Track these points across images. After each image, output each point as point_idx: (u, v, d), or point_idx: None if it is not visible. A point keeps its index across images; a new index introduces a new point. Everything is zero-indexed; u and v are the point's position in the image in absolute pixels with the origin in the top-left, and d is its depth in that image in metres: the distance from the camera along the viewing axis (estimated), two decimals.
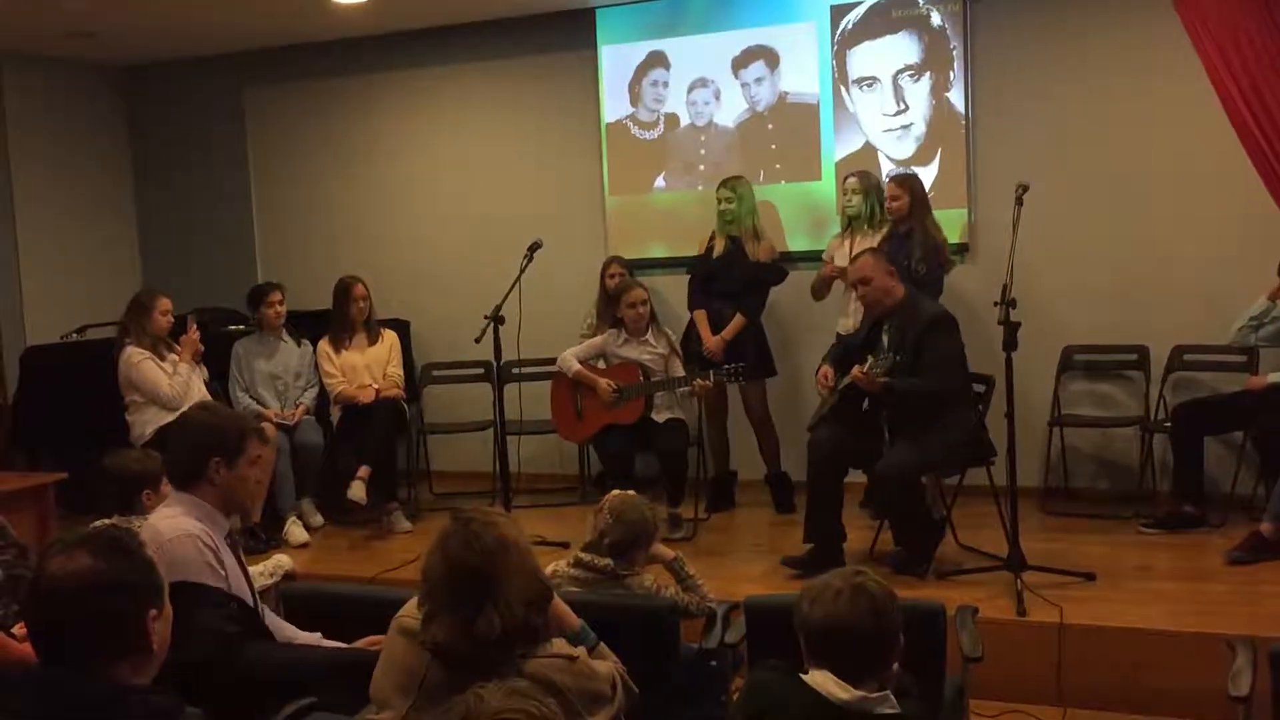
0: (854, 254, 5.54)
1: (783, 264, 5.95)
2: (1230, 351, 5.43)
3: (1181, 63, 5.53)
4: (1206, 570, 4.66)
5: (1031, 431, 5.67)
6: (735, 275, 5.80)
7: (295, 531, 5.77)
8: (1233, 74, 5.38)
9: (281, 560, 3.99)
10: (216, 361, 6.08)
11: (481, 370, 6.59)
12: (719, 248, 5.86)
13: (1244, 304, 5.28)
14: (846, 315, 5.71)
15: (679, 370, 5.70)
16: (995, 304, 4.40)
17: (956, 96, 5.98)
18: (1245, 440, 5.23)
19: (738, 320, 5.78)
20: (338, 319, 6.12)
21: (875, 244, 5.41)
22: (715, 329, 5.81)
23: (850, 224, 5.73)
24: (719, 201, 5.86)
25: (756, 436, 6.00)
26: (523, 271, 5.43)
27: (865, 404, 4.85)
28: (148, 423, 5.64)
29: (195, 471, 2.90)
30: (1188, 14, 5.47)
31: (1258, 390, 5.09)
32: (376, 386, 6.01)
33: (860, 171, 5.82)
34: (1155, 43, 5.63)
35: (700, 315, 5.87)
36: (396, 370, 6.16)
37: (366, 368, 6.09)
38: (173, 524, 2.82)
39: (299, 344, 6.23)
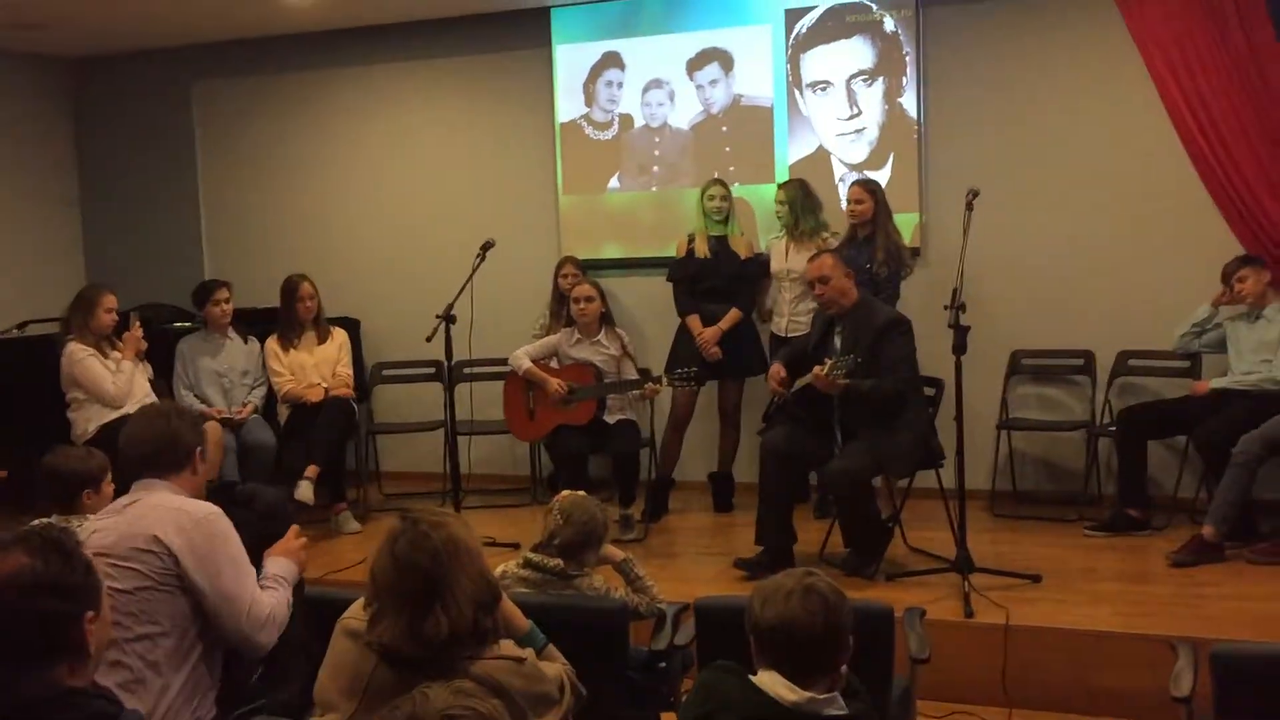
0: (789, 258, 5.65)
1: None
2: (1174, 357, 5.51)
3: (1131, 73, 5.63)
4: (1150, 573, 4.73)
5: (980, 434, 5.72)
6: (724, 273, 5.82)
7: None
8: (1180, 86, 5.49)
9: None
10: (162, 359, 5.99)
11: (432, 370, 6.55)
12: (702, 248, 5.87)
13: (1188, 310, 5.37)
14: (780, 315, 5.77)
15: (631, 372, 5.71)
16: (946, 308, 4.44)
17: (909, 102, 6.02)
18: (1188, 445, 5.31)
19: (734, 313, 5.80)
20: (285, 318, 6.06)
21: (812, 249, 5.45)
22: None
23: (786, 228, 5.79)
24: (709, 199, 5.86)
25: (721, 432, 6.02)
26: (475, 270, 5.40)
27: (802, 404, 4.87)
28: (90, 420, 5.55)
29: (183, 461, 2.98)
30: (1136, 26, 5.58)
31: (1200, 395, 5.17)
32: (325, 385, 5.95)
33: (787, 182, 5.88)
34: (1105, 53, 5.71)
35: (694, 319, 5.85)
36: (346, 370, 6.11)
37: (315, 367, 6.03)
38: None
39: (246, 341, 6.15)
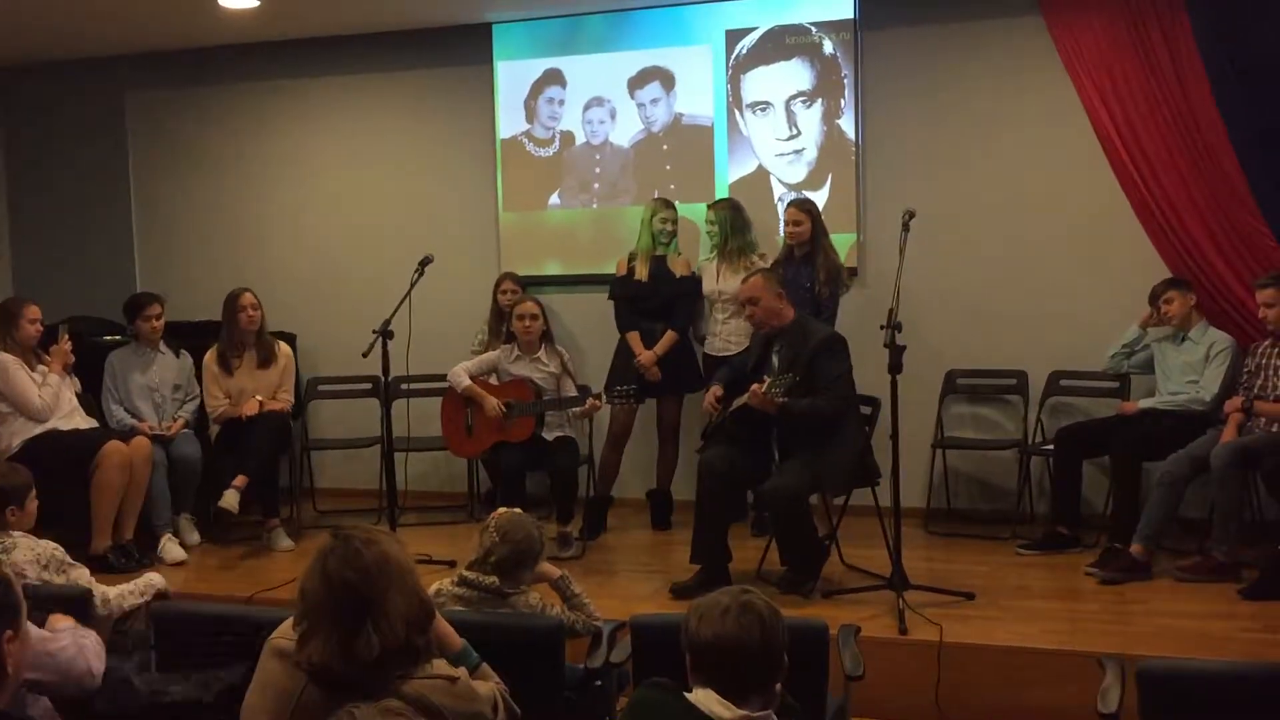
0: (720, 279, 5.70)
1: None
2: (1105, 377, 5.62)
3: (1062, 97, 5.75)
4: (1080, 590, 4.79)
5: (915, 453, 5.78)
6: (663, 293, 5.84)
7: (171, 549, 5.58)
8: (1109, 110, 5.62)
9: (152, 578, 3.86)
10: (91, 372, 5.87)
11: (369, 385, 6.48)
12: (642, 269, 5.87)
13: (1119, 331, 5.48)
14: (713, 335, 5.81)
15: (570, 389, 5.70)
16: (882, 327, 4.48)
17: (847, 123, 6.09)
18: None
19: (670, 336, 5.82)
20: (227, 333, 5.95)
21: (742, 270, 5.49)
22: (649, 347, 5.83)
23: (716, 248, 5.83)
24: (657, 222, 5.88)
25: (660, 450, 6.03)
26: (413, 286, 5.36)
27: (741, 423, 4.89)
28: (14, 434, 5.42)
29: None
30: (1067, 53, 5.70)
31: (1129, 415, 5.27)
32: (260, 399, 5.86)
33: (717, 202, 5.93)
34: (1037, 78, 5.81)
35: (634, 336, 5.87)
36: (289, 397, 6.03)
37: (254, 394, 5.89)
38: None
39: (177, 355, 6.05)
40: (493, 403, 5.52)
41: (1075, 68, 5.68)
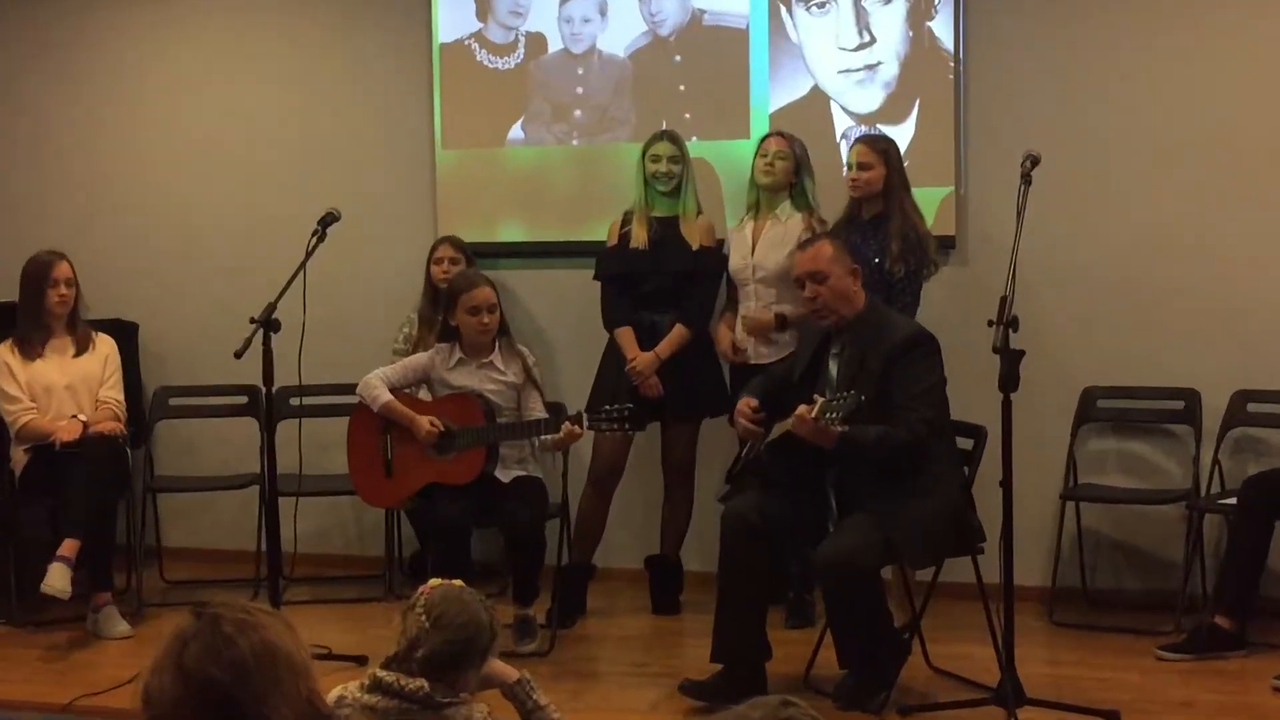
0: (757, 251, 5.72)
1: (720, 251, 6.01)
2: None
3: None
4: (1267, 711, 4.81)
5: (1037, 507, 5.80)
6: (670, 269, 5.87)
7: None
8: None
9: None
10: None
11: (244, 399, 6.50)
12: (640, 234, 5.91)
13: None
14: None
15: (537, 409, 5.70)
16: (990, 324, 4.49)
17: (943, 28, 6.12)
18: None
19: (678, 331, 5.86)
20: (27, 313, 6.00)
21: (794, 233, 5.53)
22: (648, 347, 5.88)
23: (759, 201, 5.85)
24: (652, 160, 5.91)
25: (666, 498, 6.06)
26: (309, 255, 5.37)
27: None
28: None
29: None
30: None
31: None
32: (84, 418, 5.89)
33: (782, 133, 5.93)
34: None
35: (624, 333, 5.90)
36: (114, 394, 6.07)
37: (69, 389, 5.96)
38: None
39: None
40: (426, 423, 5.54)
41: None
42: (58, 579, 5.50)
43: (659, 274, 5.88)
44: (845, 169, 5.82)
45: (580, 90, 6.58)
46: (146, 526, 6.55)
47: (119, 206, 7.16)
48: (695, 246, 5.91)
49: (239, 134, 7.04)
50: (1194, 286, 5.94)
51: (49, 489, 5.80)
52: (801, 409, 4.61)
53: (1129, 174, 6.01)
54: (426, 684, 3.24)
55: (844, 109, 6.27)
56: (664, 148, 5.94)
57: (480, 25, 6.67)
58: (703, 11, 6.40)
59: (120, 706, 4.67)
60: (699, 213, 6.00)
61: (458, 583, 3.44)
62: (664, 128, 6.15)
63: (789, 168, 5.77)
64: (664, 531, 6.09)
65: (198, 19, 7.07)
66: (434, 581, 3.44)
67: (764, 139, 5.91)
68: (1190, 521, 5.81)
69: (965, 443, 5.10)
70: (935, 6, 6.12)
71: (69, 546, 5.57)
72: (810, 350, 5.07)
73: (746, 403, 5.00)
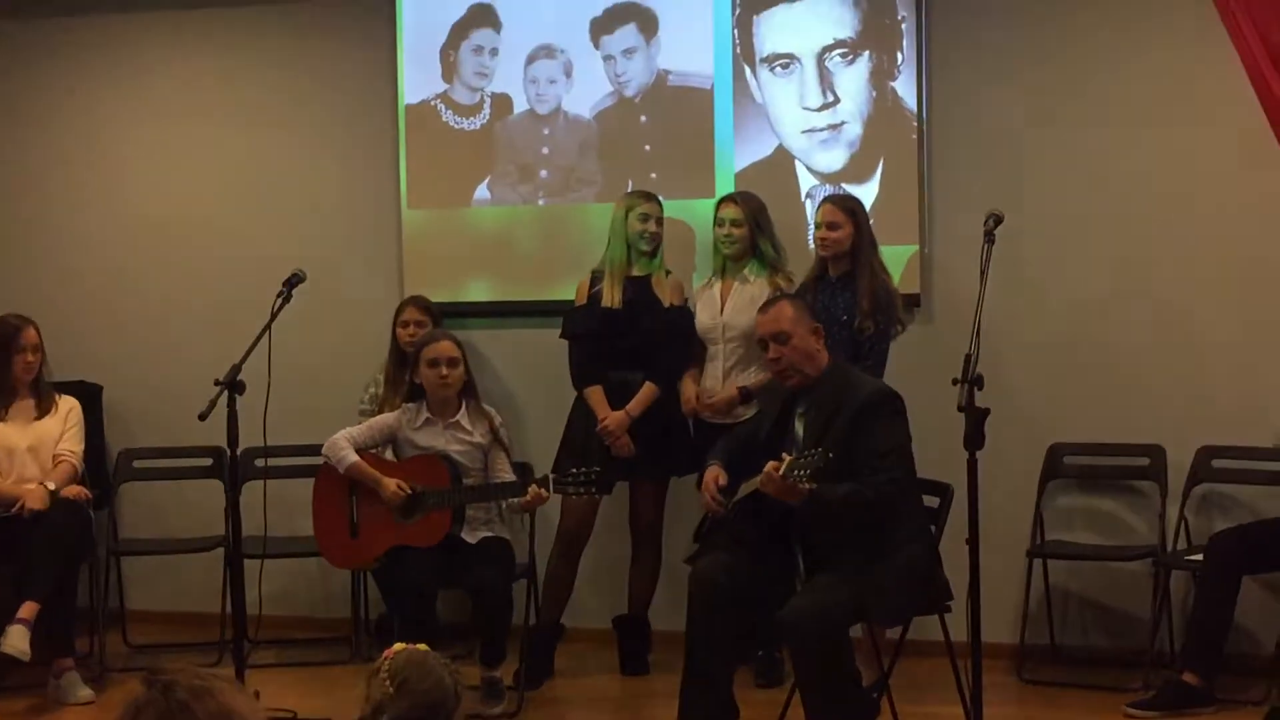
0: (726, 309, 5.77)
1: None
2: (1277, 456, 5.66)
3: (1227, 51, 5.76)
4: None
5: (1004, 565, 5.79)
6: (643, 329, 5.87)
7: None
8: (1274, 60, 5.62)
9: None
10: None
11: (209, 461, 6.48)
12: (613, 294, 5.91)
13: None
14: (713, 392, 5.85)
15: (504, 471, 5.69)
16: (955, 381, 4.50)
17: (905, 88, 6.16)
18: None
19: (649, 390, 5.87)
20: None
21: (761, 293, 5.54)
22: (618, 406, 5.87)
23: (725, 265, 5.87)
24: (635, 220, 5.92)
25: (633, 559, 6.05)
26: (274, 316, 5.35)
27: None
28: None
29: None
30: None
31: None
32: (51, 484, 5.86)
33: (739, 195, 5.96)
34: (1181, 22, 5.87)
35: (595, 392, 5.90)
36: (69, 445, 6.05)
37: (31, 451, 5.95)
38: None
39: None
40: (392, 485, 5.51)
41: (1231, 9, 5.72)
42: (18, 640, 5.47)
43: (633, 333, 5.88)
44: (813, 228, 5.83)
45: (546, 151, 6.59)
46: (110, 590, 6.50)
47: (83, 268, 7.14)
48: (666, 305, 5.92)
49: (204, 195, 7.02)
50: (1159, 343, 5.98)
51: (11, 554, 5.75)
52: (770, 466, 4.61)
53: (1092, 232, 6.04)
54: None
55: (808, 168, 6.30)
56: (652, 208, 5.97)
57: (446, 86, 6.69)
58: (668, 72, 6.43)
59: None
60: (668, 273, 6.01)
61: (422, 647, 3.41)
62: (631, 188, 6.17)
63: (746, 234, 5.79)
64: (632, 591, 6.07)
65: (162, 82, 7.07)
66: (398, 646, 3.41)
67: (720, 203, 5.95)
68: (1157, 578, 5.82)
69: (932, 500, 5.10)
70: (898, 67, 6.17)
71: (28, 609, 5.55)
72: (776, 410, 5.06)
73: (713, 477, 4.98)
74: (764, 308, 5.09)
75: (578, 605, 6.10)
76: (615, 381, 5.91)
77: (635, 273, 5.96)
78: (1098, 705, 5.44)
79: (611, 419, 5.83)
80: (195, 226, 7.02)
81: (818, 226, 5.73)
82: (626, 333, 5.90)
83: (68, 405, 6.15)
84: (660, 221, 5.97)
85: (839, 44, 6.24)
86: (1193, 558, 5.60)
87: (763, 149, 6.34)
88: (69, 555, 5.82)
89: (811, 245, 5.87)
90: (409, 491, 5.51)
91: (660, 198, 6.10)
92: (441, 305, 6.44)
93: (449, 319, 6.38)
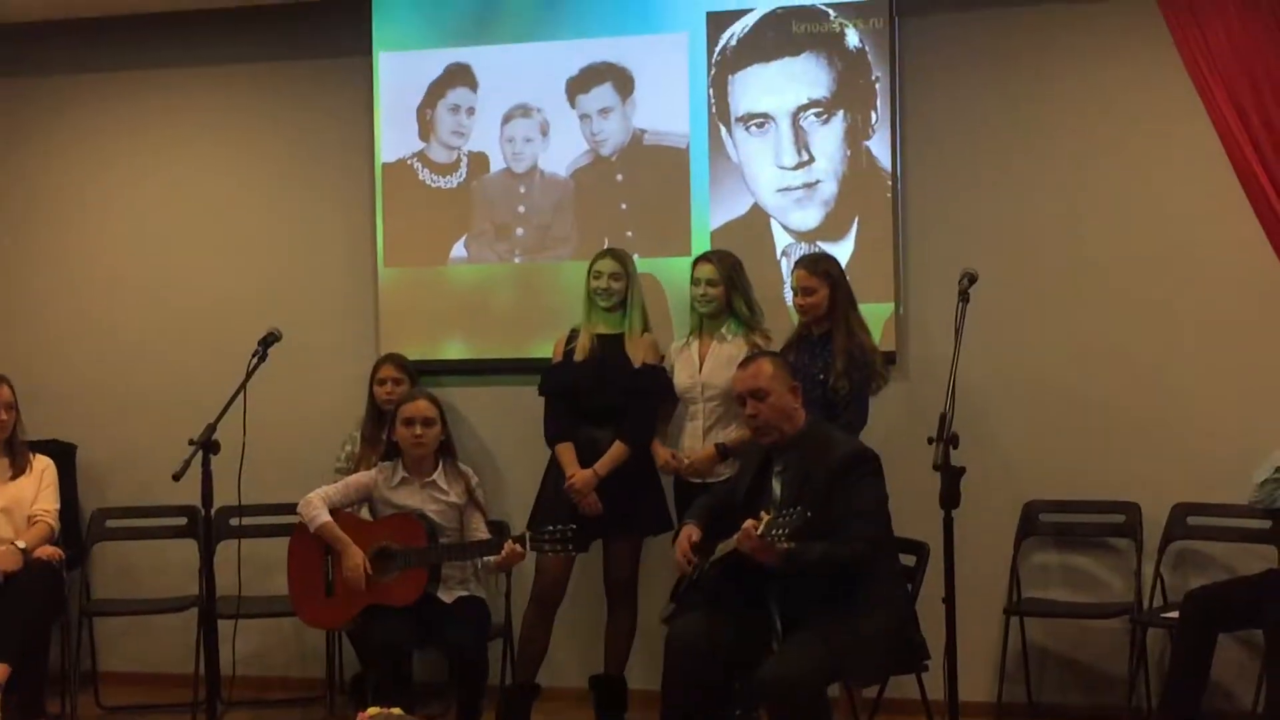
0: (704, 369, 5.77)
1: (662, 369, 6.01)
2: (1251, 514, 5.63)
3: (1191, 110, 5.79)
4: None
5: (981, 623, 5.78)
6: (611, 387, 5.87)
7: None
8: (1247, 125, 5.66)
9: None
10: None
11: (183, 520, 6.44)
12: (584, 348, 5.92)
13: (1268, 449, 5.53)
14: (690, 451, 5.83)
15: (480, 530, 5.67)
16: (930, 440, 4.50)
17: (880, 147, 6.19)
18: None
19: (617, 449, 5.83)
20: None
21: (739, 352, 5.54)
22: (588, 463, 5.85)
23: (702, 324, 5.89)
24: (594, 277, 5.92)
25: (609, 618, 6.03)
26: (250, 375, 5.36)
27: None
28: None
29: None
30: (1192, 50, 5.75)
31: None
32: (23, 545, 5.83)
33: (714, 253, 5.97)
34: (1150, 76, 5.94)
35: (565, 449, 5.88)
36: (45, 504, 6.04)
37: (4, 512, 5.93)
38: None
39: None
40: (354, 558, 5.48)
41: (1198, 63, 5.70)
42: None
43: (601, 391, 5.88)
44: (790, 292, 5.83)
45: (522, 209, 6.61)
46: (83, 650, 6.46)
47: (57, 327, 7.12)
48: (638, 364, 5.91)
49: (179, 253, 7.02)
50: (1133, 401, 5.99)
51: None
52: (748, 524, 4.61)
53: (1066, 290, 6.07)
54: None
55: (784, 226, 6.32)
56: (605, 264, 5.95)
57: (423, 145, 6.70)
58: (644, 131, 6.46)
59: None
60: (645, 330, 6.01)
61: (396, 711, 3.41)
62: (606, 246, 6.18)
63: (722, 292, 5.80)
64: (608, 649, 6.04)
65: (136, 145, 7.08)
66: (372, 710, 3.41)
67: (695, 262, 5.95)
68: (1134, 635, 5.82)
69: (909, 559, 5.11)
70: (873, 126, 6.20)
71: (0, 671, 5.50)
72: (753, 469, 5.06)
73: (686, 535, 4.98)
74: (743, 364, 5.10)
75: (554, 664, 6.07)
76: (584, 439, 5.90)
77: (602, 330, 5.96)
78: None
79: (578, 477, 5.81)
80: (170, 285, 7.01)
81: (795, 291, 5.73)
82: (594, 390, 5.89)
83: (42, 464, 6.14)
84: (619, 277, 5.93)
85: (814, 103, 6.27)
86: (1168, 615, 5.59)
87: (738, 208, 6.36)
88: (40, 616, 5.78)
89: (789, 302, 5.87)
90: (380, 550, 5.48)
91: (634, 255, 6.11)
92: (418, 363, 6.42)
93: (425, 377, 6.37)
